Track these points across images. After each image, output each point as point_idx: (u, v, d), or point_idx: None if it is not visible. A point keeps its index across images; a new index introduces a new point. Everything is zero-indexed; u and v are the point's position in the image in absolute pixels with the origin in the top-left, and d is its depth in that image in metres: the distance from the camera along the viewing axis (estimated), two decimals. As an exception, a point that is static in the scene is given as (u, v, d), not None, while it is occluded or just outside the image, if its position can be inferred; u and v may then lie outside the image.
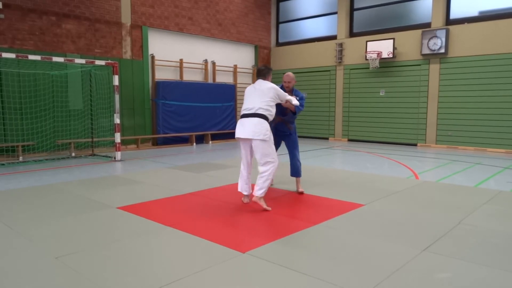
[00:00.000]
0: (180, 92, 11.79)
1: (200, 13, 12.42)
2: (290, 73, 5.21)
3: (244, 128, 4.44)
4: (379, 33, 12.22)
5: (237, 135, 4.54)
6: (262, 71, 4.76)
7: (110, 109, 9.79)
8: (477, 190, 5.60)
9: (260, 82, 4.66)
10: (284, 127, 5.23)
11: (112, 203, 4.73)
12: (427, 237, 3.54)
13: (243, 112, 4.57)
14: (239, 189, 4.78)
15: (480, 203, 4.73)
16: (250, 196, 4.74)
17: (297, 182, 5.35)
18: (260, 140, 4.37)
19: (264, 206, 4.44)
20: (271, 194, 5.20)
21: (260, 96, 4.51)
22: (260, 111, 4.44)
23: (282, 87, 5.12)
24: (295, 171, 5.31)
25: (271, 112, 4.54)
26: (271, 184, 5.68)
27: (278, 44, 15.12)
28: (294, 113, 5.11)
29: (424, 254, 3.14)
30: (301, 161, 5.63)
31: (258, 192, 4.45)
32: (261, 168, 4.49)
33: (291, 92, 5.17)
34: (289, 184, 5.71)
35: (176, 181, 6.12)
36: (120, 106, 9.61)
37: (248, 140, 4.52)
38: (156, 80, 11.42)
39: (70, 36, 9.64)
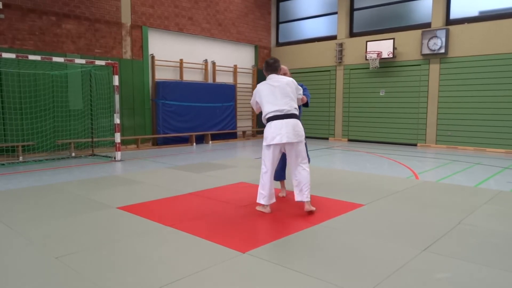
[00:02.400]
0: (180, 92, 11.79)
1: (200, 13, 12.42)
2: (283, 66, 4.78)
3: (282, 132, 4.02)
4: (379, 33, 12.22)
5: (276, 140, 4.04)
6: (273, 65, 4.28)
7: (110, 109, 9.79)
8: (477, 190, 5.60)
9: (276, 77, 4.23)
10: None
11: (112, 203, 4.73)
12: (427, 237, 3.53)
13: (272, 114, 4.10)
14: (267, 202, 4.23)
15: (480, 203, 4.73)
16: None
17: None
18: (302, 141, 4.19)
19: (313, 208, 4.28)
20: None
21: (284, 94, 4.13)
22: (293, 111, 4.11)
23: None
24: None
25: (298, 110, 4.30)
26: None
27: (278, 44, 15.11)
28: (306, 105, 4.73)
29: (424, 254, 3.14)
30: None
31: (309, 196, 4.24)
32: (305, 170, 4.22)
33: None
34: (289, 184, 5.69)
35: (176, 181, 6.12)
36: (120, 106, 9.61)
37: (285, 144, 4.14)
38: (156, 80, 11.42)
39: (70, 36, 9.64)
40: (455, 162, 8.43)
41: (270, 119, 4.12)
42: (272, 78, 4.24)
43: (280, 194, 5.08)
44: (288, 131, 4.04)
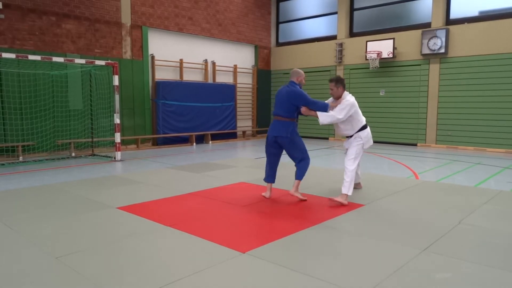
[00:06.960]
0: (180, 92, 11.79)
1: (200, 13, 12.42)
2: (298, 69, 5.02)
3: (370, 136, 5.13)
4: (379, 33, 12.22)
5: (371, 143, 5.14)
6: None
7: (110, 109, 9.79)
8: (477, 190, 5.60)
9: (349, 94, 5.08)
10: None
11: (112, 203, 4.73)
12: (427, 237, 3.54)
13: (365, 122, 5.12)
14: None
15: (480, 203, 4.73)
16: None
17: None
18: None
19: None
20: (271, 194, 5.19)
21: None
22: None
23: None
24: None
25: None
26: None
27: (278, 44, 15.11)
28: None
29: (424, 254, 3.14)
30: (301, 161, 5.49)
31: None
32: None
33: None
34: (288, 184, 5.70)
35: (176, 181, 6.12)
36: (120, 106, 9.61)
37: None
38: (156, 80, 11.42)
39: (70, 36, 9.64)
40: (455, 162, 8.43)
41: (365, 126, 5.09)
42: (350, 95, 5.04)
43: (264, 194, 5.03)
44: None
